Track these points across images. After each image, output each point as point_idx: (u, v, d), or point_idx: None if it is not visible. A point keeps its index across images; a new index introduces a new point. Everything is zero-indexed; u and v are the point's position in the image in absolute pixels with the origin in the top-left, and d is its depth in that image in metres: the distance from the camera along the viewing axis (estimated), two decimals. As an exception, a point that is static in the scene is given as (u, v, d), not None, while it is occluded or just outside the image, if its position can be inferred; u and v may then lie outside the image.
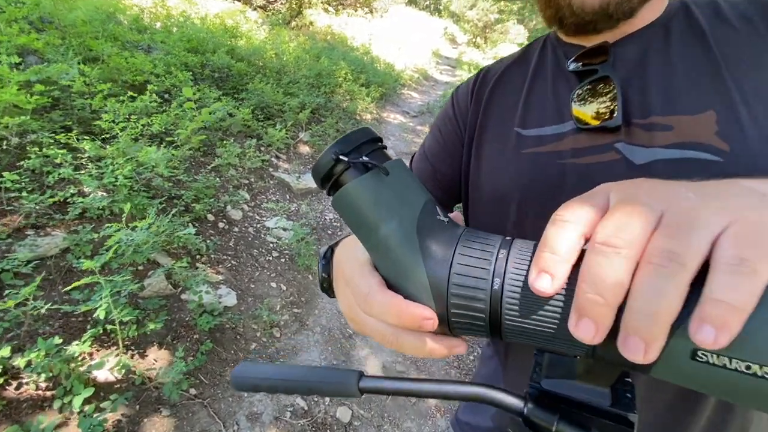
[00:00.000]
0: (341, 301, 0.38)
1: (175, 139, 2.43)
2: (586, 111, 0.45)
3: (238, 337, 1.80)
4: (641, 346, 0.19)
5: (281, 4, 8.10)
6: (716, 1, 0.47)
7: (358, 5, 11.25)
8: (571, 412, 0.26)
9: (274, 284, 2.22)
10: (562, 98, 0.49)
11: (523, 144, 0.50)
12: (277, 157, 3.54)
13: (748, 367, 0.18)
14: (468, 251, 0.26)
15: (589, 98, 0.46)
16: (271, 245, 2.52)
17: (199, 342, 1.65)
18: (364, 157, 0.29)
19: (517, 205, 0.49)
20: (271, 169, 3.31)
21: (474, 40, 14.73)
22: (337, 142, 0.30)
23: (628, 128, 0.44)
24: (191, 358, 1.59)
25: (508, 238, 0.27)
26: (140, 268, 1.77)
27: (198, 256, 2.05)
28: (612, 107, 0.43)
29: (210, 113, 2.51)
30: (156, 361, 1.54)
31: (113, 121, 2.15)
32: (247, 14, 6.32)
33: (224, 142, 2.91)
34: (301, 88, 4.47)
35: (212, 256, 2.13)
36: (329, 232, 2.96)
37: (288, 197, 3.13)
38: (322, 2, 9.29)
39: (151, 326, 1.50)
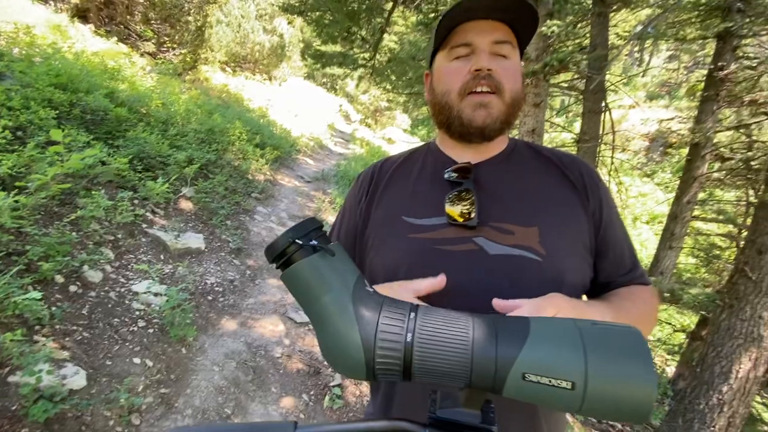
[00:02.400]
0: None
1: (28, 184, 2.05)
2: (455, 210, 0.64)
3: (83, 428, 1.47)
4: None
5: (174, 54, 7.85)
6: (537, 148, 0.74)
7: (257, 70, 11.56)
8: (454, 429, 0.38)
9: (137, 360, 1.91)
10: (439, 198, 0.66)
11: (409, 230, 0.66)
12: (154, 213, 3.22)
13: (549, 381, 0.32)
14: (389, 314, 0.37)
15: (457, 202, 0.64)
16: (138, 313, 2.20)
17: (27, 440, 1.30)
18: (314, 241, 0.39)
19: (405, 275, 0.62)
20: (144, 225, 2.98)
21: (366, 120, 16.30)
22: (292, 228, 0.40)
23: (485, 228, 0.63)
24: (9, 464, 1.23)
25: (414, 303, 0.39)
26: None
27: (38, 327, 1.68)
28: (471, 210, 0.62)
29: (81, 159, 2.22)
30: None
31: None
32: (134, 59, 5.93)
33: (91, 191, 2.56)
34: (189, 142, 4.27)
35: (57, 326, 1.76)
36: (209, 297, 2.73)
37: (163, 258, 2.82)
38: (219, 61, 9.30)
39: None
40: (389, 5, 4.75)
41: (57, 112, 2.89)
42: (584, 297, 0.70)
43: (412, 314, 0.37)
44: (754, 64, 4.69)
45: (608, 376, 0.33)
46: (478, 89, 0.64)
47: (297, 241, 0.39)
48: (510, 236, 0.62)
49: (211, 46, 8.45)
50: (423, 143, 0.82)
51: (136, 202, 3.06)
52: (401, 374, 0.37)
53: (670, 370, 5.89)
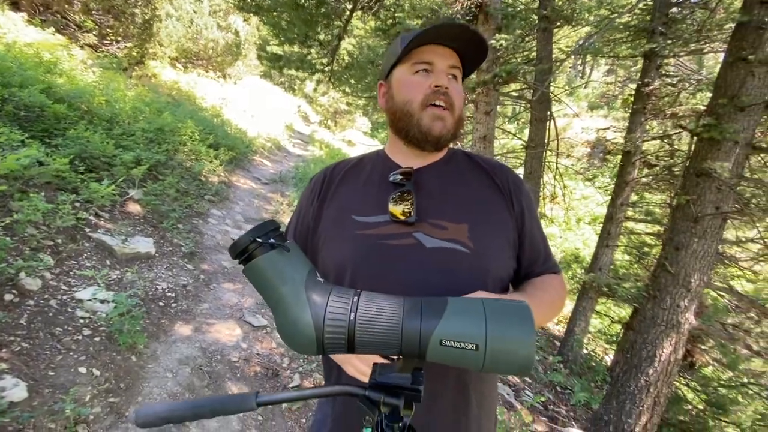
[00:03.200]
0: None
1: (-47, 186, 1.89)
2: (397, 209, 0.73)
3: (24, 443, 1.40)
4: None
5: (118, 48, 7.40)
6: (472, 156, 0.84)
7: (210, 67, 11.15)
8: (390, 391, 0.46)
9: (83, 369, 1.82)
10: (384, 199, 0.75)
11: (357, 227, 0.74)
12: (98, 216, 3.05)
13: (460, 345, 0.41)
14: (336, 299, 0.45)
15: (399, 201, 0.73)
16: (82, 321, 2.10)
17: (-39, 457, 1.22)
18: (272, 240, 0.46)
19: (352, 269, 0.71)
20: (88, 230, 2.82)
21: (325, 122, 16.21)
22: (253, 228, 0.47)
23: (423, 224, 0.73)
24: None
25: (357, 290, 0.47)
26: None
27: (-32, 340, 1.56)
28: (410, 209, 0.72)
29: (16, 159, 2.08)
30: None
31: None
32: (73, 51, 5.54)
33: (28, 194, 2.39)
34: (137, 142, 4.07)
35: (-9, 338, 1.65)
36: (161, 303, 2.64)
37: (109, 263, 2.69)
38: (169, 57, 8.88)
39: None
40: (347, 12, 4.82)
41: (-15, 107, 2.67)
42: (511, 287, 0.81)
43: (356, 298, 0.45)
44: (675, 82, 5.27)
45: (501, 339, 0.42)
46: (437, 103, 0.74)
47: (257, 239, 0.45)
48: (444, 231, 0.72)
49: (160, 41, 8.06)
50: (373, 151, 0.90)
51: (78, 204, 2.89)
52: (346, 347, 0.44)
53: (609, 358, 6.43)
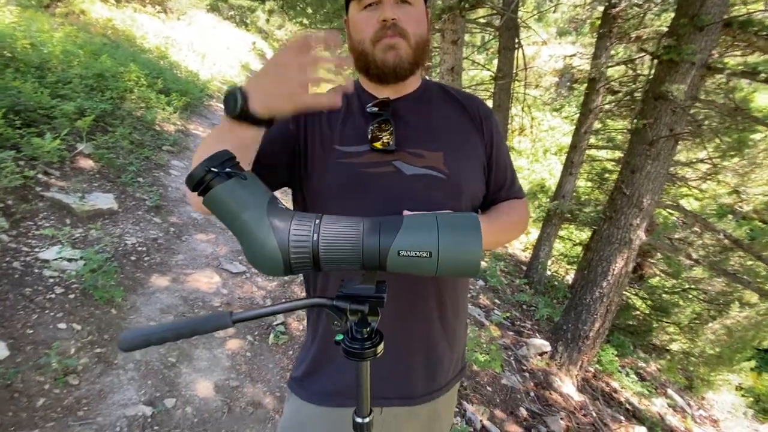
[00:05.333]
0: (266, 88, 0.57)
1: None
2: (376, 138, 0.74)
3: (16, 395, 1.43)
4: None
5: (34, -20, 6.38)
6: (445, 87, 0.86)
7: (147, 1, 9.91)
8: (355, 300, 0.50)
9: (62, 325, 1.83)
10: (363, 129, 0.76)
11: (339, 155, 0.76)
12: (47, 174, 2.85)
13: (416, 254, 0.45)
14: (298, 223, 0.47)
15: (377, 131, 0.74)
16: (52, 281, 2.06)
17: (-47, 413, 1.25)
18: (228, 169, 0.46)
19: (336, 195, 0.74)
20: (39, 189, 2.65)
21: (283, 59, 15.02)
22: (207, 158, 0.46)
23: (401, 153, 0.75)
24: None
25: (319, 215, 0.50)
26: None
27: (-69, 306, 1.52)
28: (389, 139, 0.73)
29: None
30: None
31: None
32: (-22, -15, 4.75)
33: (-40, 153, 2.18)
34: (76, 90, 3.70)
35: (-43, 303, 1.60)
36: (133, 258, 2.61)
37: (69, 222, 2.58)
38: (97, -11, 7.77)
39: None
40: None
41: None
42: (480, 211, 0.86)
43: (317, 221, 0.47)
44: (641, 2, 5.18)
45: (451, 245, 0.47)
46: (386, 39, 0.73)
47: (213, 169, 0.45)
48: (421, 159, 0.75)
49: (82, -30, 6.99)
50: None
51: (21, 163, 2.68)
52: (311, 265, 0.47)
53: (570, 277, 7.03)
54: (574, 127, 5.71)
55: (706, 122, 4.94)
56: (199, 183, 0.46)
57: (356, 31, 0.76)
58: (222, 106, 0.61)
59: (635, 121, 3.53)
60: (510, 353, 3.47)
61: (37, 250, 2.19)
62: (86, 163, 3.20)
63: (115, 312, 2.10)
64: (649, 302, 5.77)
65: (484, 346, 3.18)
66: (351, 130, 0.78)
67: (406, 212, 0.61)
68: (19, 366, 1.53)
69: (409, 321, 0.77)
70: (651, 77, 3.53)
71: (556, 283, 6.24)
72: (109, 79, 4.35)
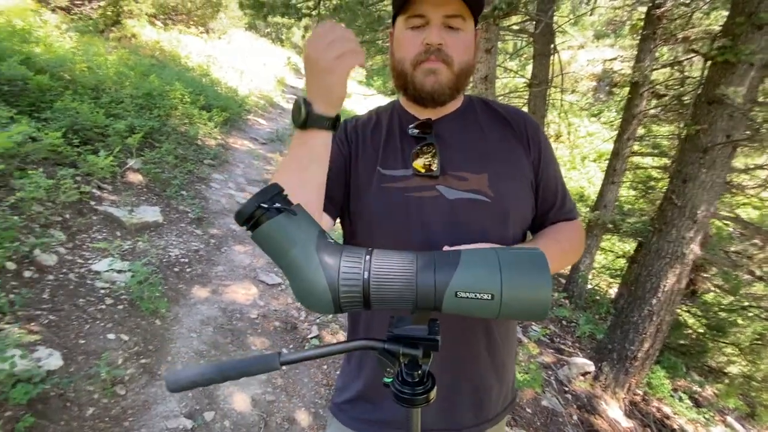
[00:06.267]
0: (317, 84, 0.60)
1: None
2: (419, 163, 0.72)
3: (68, 404, 1.51)
4: None
5: (91, 8, 6.95)
6: (489, 103, 0.82)
7: (191, 22, 10.51)
8: (408, 343, 0.47)
9: (111, 335, 1.92)
10: (406, 152, 0.75)
11: (383, 179, 0.74)
12: (101, 189, 3.05)
13: (476, 296, 0.42)
14: (348, 259, 0.45)
15: (421, 155, 0.73)
16: (103, 292, 2.17)
17: (14, 419, 1.32)
18: (277, 204, 0.45)
19: (381, 220, 0.72)
20: (93, 203, 2.83)
21: (316, 72, 15.43)
22: (256, 194, 0.46)
23: (445, 176, 0.72)
24: (-1, 446, 1.27)
25: (369, 249, 0.47)
26: None
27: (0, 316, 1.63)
28: (433, 162, 0.71)
29: (9, 137, 2.04)
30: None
31: None
32: (44, 16, 5.21)
33: (26, 171, 2.37)
34: (127, 109, 3.96)
35: (20, 313, 1.72)
36: (176, 269, 2.71)
37: (120, 234, 2.73)
38: (146, 14, 8.34)
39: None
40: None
41: (-35, 83, 2.57)
42: (529, 234, 0.82)
43: (368, 257, 0.45)
44: (688, 1, 4.90)
45: (517, 287, 0.43)
46: (427, 63, 0.71)
47: (262, 205, 0.44)
48: (464, 182, 0.72)
49: (134, -3, 7.53)
50: (388, 103, 0.87)
51: (78, 178, 2.87)
52: (362, 304, 0.45)
53: (613, 292, 6.64)
54: (616, 133, 5.45)
55: (766, 125, 4.55)
56: (248, 219, 0.45)
57: (399, 50, 0.74)
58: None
59: (686, 126, 3.30)
60: (550, 372, 3.30)
61: (90, 262, 2.32)
62: (135, 178, 3.39)
63: (159, 323, 2.18)
64: (703, 320, 5.33)
65: (523, 364, 3.04)
66: (393, 152, 0.76)
67: (446, 248, 0.58)
68: (71, 376, 1.61)
69: (455, 351, 0.74)
70: (703, 80, 3.30)
71: (597, 297, 5.92)
72: (157, 97, 4.62)
